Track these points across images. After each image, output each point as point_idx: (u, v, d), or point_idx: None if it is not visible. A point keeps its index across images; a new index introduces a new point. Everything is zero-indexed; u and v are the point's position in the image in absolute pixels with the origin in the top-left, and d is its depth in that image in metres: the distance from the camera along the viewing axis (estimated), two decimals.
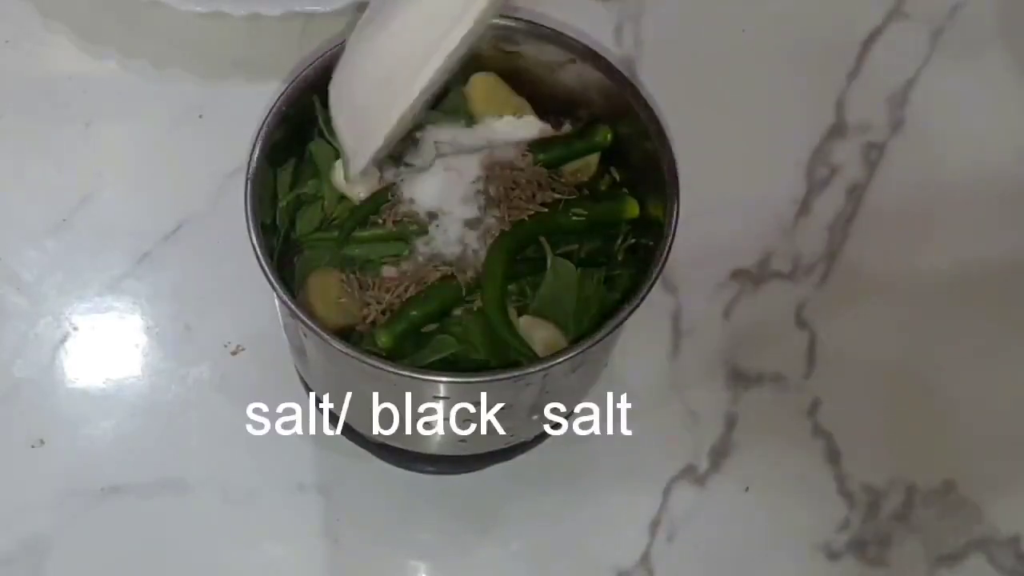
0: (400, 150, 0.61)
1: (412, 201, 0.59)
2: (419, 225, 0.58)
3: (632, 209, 0.60)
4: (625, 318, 0.56)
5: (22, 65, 0.77)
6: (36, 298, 0.71)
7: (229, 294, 0.70)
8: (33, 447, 0.67)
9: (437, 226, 0.58)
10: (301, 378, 0.67)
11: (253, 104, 0.62)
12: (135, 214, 0.73)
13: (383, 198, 0.59)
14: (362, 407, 0.61)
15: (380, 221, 0.59)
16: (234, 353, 0.70)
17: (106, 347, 0.70)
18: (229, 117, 0.73)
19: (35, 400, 0.68)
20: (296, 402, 0.68)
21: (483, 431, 0.61)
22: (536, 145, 0.60)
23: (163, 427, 0.68)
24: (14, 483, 0.67)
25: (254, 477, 0.67)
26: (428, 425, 0.60)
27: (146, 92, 0.76)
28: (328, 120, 0.59)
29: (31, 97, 0.76)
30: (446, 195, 0.58)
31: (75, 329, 0.70)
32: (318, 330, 0.54)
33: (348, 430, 0.66)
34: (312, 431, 0.68)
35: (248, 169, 0.57)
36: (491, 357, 0.57)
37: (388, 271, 0.58)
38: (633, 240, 0.60)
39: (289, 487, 0.67)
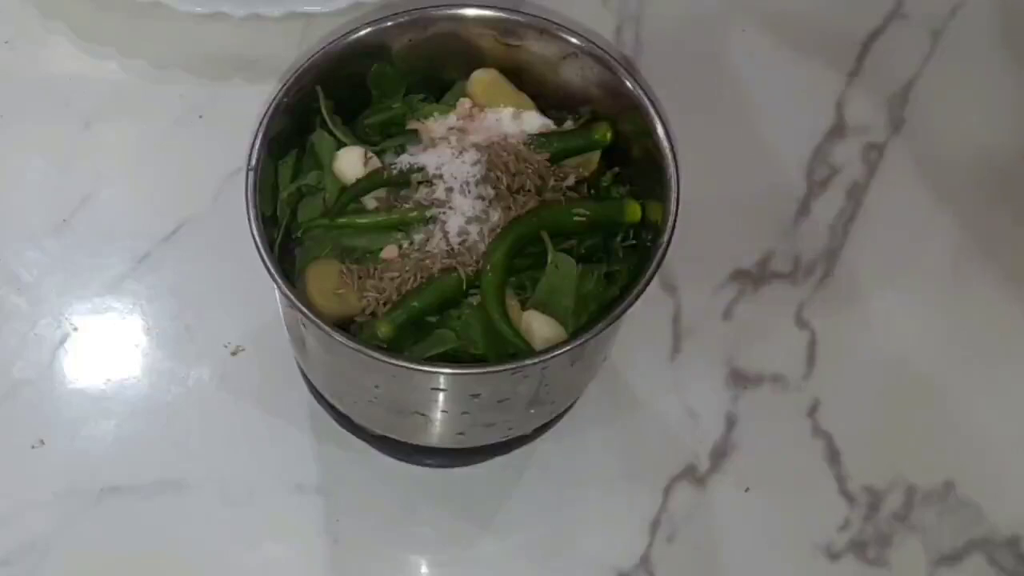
0: (402, 141, 0.61)
1: (413, 191, 0.59)
2: (420, 212, 0.58)
3: (634, 213, 0.60)
4: (622, 313, 0.56)
5: (22, 65, 0.77)
6: (36, 298, 0.71)
7: (229, 294, 0.70)
8: (33, 447, 0.67)
9: (438, 218, 0.58)
10: (302, 372, 0.67)
11: (253, 104, 0.62)
12: (135, 214, 0.73)
13: (379, 177, 0.60)
14: (361, 399, 0.61)
15: (378, 207, 0.59)
16: (234, 353, 0.70)
17: (106, 347, 0.70)
18: (229, 117, 0.73)
19: (35, 400, 0.68)
20: (296, 401, 0.68)
21: (482, 424, 0.61)
22: (537, 140, 0.60)
23: (163, 427, 0.68)
24: (14, 483, 0.67)
25: (254, 477, 0.67)
26: (427, 417, 0.60)
27: (146, 92, 0.76)
28: (330, 110, 0.60)
29: (31, 97, 0.76)
30: (447, 188, 0.59)
31: (75, 329, 0.70)
32: (317, 321, 0.54)
33: (347, 423, 0.66)
34: (311, 428, 0.68)
35: (249, 159, 0.57)
36: (490, 352, 0.57)
37: (389, 252, 0.58)
38: (633, 237, 0.60)
39: (289, 487, 0.67)
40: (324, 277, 0.58)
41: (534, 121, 0.61)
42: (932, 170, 0.77)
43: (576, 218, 0.59)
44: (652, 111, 0.59)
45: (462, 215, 0.58)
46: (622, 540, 0.67)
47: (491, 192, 0.58)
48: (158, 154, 0.75)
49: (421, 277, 0.57)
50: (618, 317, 0.56)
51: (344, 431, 0.67)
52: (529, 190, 0.59)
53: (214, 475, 0.67)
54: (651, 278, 0.56)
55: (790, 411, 0.70)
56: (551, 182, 0.60)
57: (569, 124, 0.62)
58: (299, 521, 0.67)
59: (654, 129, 0.59)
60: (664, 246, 0.57)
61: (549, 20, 0.61)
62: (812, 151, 0.77)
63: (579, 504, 0.68)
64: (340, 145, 0.61)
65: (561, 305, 0.58)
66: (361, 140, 0.61)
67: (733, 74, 0.79)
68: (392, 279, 0.57)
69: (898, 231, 0.75)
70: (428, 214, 0.58)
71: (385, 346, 0.56)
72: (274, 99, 0.59)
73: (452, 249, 0.58)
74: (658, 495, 0.68)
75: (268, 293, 0.59)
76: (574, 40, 0.61)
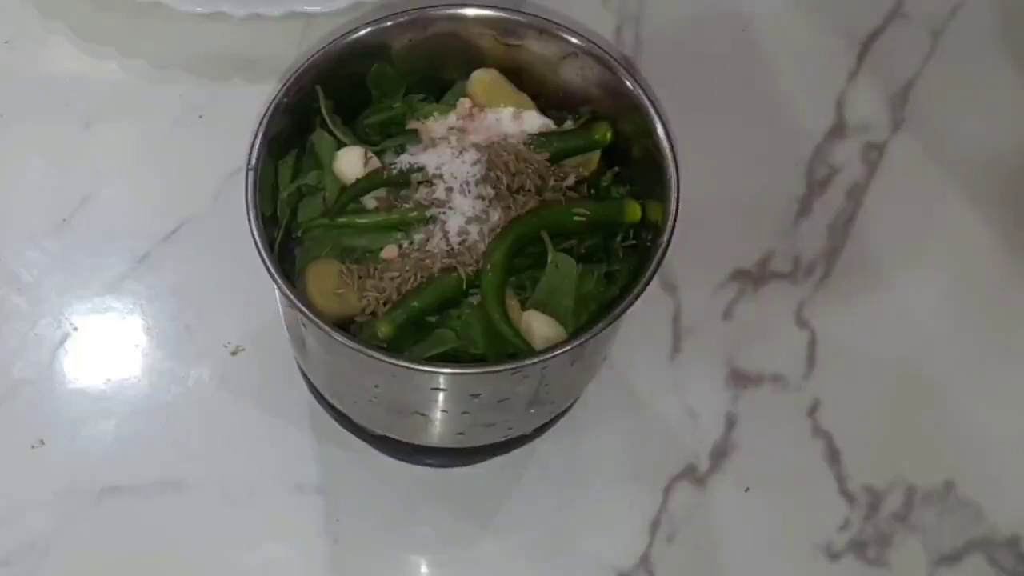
0: (402, 141, 0.61)
1: (413, 191, 0.59)
2: (420, 212, 0.58)
3: (634, 213, 0.60)
4: (622, 312, 0.56)
5: (22, 65, 0.77)
6: (36, 298, 0.71)
7: (229, 294, 0.70)
8: (33, 447, 0.67)
9: (438, 218, 0.58)
10: (302, 372, 0.67)
11: (253, 104, 0.62)
12: (135, 214, 0.73)
13: (379, 177, 0.60)
14: (361, 399, 0.61)
15: (378, 207, 0.59)
16: (234, 353, 0.70)
17: (106, 347, 0.70)
18: (229, 117, 0.73)
19: (35, 400, 0.68)
20: (296, 401, 0.68)
21: (482, 424, 0.61)
22: (537, 140, 0.60)
23: (163, 427, 0.68)
24: (14, 483, 0.67)
25: (254, 477, 0.67)
26: (427, 417, 0.60)
27: (146, 92, 0.76)
28: (330, 110, 0.60)
29: (31, 97, 0.76)
30: (447, 188, 0.59)
31: (75, 329, 0.70)
32: (317, 321, 0.54)
33: (347, 423, 0.66)
34: (311, 428, 0.68)
35: (249, 159, 0.57)
36: (490, 352, 0.57)
37: (389, 251, 0.58)
38: (633, 237, 0.60)
39: (289, 487, 0.67)
40: (324, 277, 0.58)
41: (534, 121, 0.61)
42: (932, 170, 0.77)
43: (576, 218, 0.59)
44: (652, 111, 0.59)
45: (462, 215, 0.58)
46: (622, 540, 0.67)
47: (491, 192, 0.58)
48: (158, 154, 0.75)
49: (421, 277, 0.57)
50: (618, 317, 0.56)
51: (344, 431, 0.67)
52: (529, 190, 0.59)
53: (214, 475, 0.67)
54: (651, 278, 0.56)
55: (790, 411, 0.70)
56: (551, 182, 0.60)
57: (569, 124, 0.62)
58: (299, 521, 0.67)
59: (654, 129, 0.59)
60: (664, 246, 0.57)
61: (549, 20, 0.61)
62: (812, 151, 0.77)
63: (579, 504, 0.68)
64: (340, 145, 0.61)
65: (561, 305, 0.58)
66: (361, 140, 0.61)
67: (733, 74, 0.79)
68: (392, 279, 0.57)
69: (898, 231, 0.75)
70: (428, 214, 0.58)
71: (385, 346, 0.56)
72: (274, 99, 0.59)
73: (452, 249, 0.58)
74: (658, 495, 0.68)
75: (268, 293, 0.59)
76: (574, 40, 0.61)
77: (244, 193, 0.56)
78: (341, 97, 0.61)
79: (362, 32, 0.61)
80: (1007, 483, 0.70)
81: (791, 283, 0.73)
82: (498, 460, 0.67)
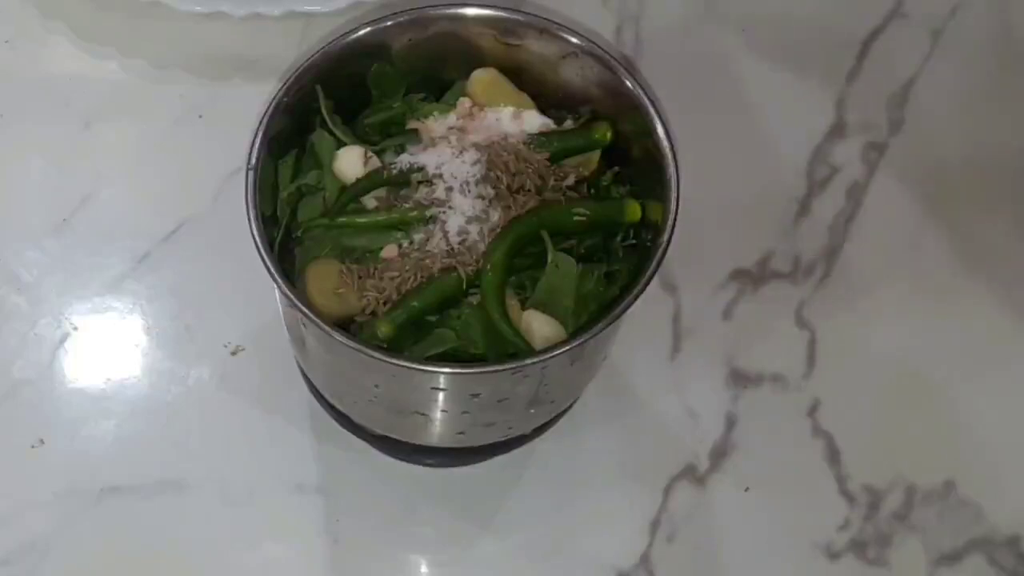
0: (402, 141, 0.61)
1: (413, 191, 0.59)
2: (420, 212, 0.58)
3: (634, 212, 0.60)
4: (622, 312, 0.56)
5: (22, 65, 0.77)
6: (36, 298, 0.71)
7: (229, 294, 0.70)
8: (33, 447, 0.67)
9: (438, 218, 0.58)
10: (302, 372, 0.67)
11: (253, 104, 0.62)
12: (135, 214, 0.73)
13: (379, 176, 0.60)
14: (361, 399, 0.61)
15: (378, 207, 0.60)
16: (234, 353, 0.70)
17: (106, 347, 0.70)
18: (229, 117, 0.73)
19: (35, 400, 0.68)
20: (296, 401, 0.68)
21: (482, 424, 0.61)
22: (537, 139, 0.60)
23: (163, 427, 0.68)
24: (14, 483, 0.67)
25: (254, 477, 0.67)
26: (427, 417, 0.60)
27: (146, 92, 0.76)
28: (330, 109, 0.60)
29: (31, 97, 0.76)
30: (447, 187, 0.59)
31: (75, 329, 0.70)
32: (317, 321, 0.55)
33: (347, 422, 0.66)
34: (311, 428, 0.68)
35: (249, 159, 0.57)
36: (490, 352, 0.57)
37: (389, 251, 0.58)
38: (633, 237, 0.60)
39: (289, 487, 0.67)
40: (324, 277, 0.58)
41: (534, 121, 0.61)
42: (932, 170, 0.77)
43: (576, 218, 0.59)
44: (652, 111, 0.59)
45: (462, 215, 0.58)
46: (622, 540, 0.67)
47: (491, 192, 0.58)
48: (158, 154, 0.75)
49: (421, 277, 0.57)
50: (618, 317, 0.56)
51: (344, 431, 0.67)
52: (529, 190, 0.59)
53: (214, 475, 0.67)
54: (651, 278, 0.56)
55: (790, 411, 0.70)
56: (551, 182, 0.60)
57: (569, 124, 0.62)
58: (299, 521, 0.67)
59: (654, 129, 0.59)
60: (664, 246, 0.57)
61: (549, 20, 0.61)
62: (812, 151, 0.77)
63: (579, 504, 0.68)
64: (340, 145, 0.61)
65: (561, 305, 0.58)
66: (361, 140, 0.61)
67: (733, 74, 0.79)
68: (392, 279, 0.57)
69: (898, 231, 0.75)
70: (428, 214, 0.58)
71: (385, 346, 0.56)
72: (274, 99, 0.59)
73: (452, 249, 0.58)
74: (658, 495, 0.68)
75: (268, 293, 0.59)
76: (574, 40, 0.61)
77: (244, 193, 0.56)
78: (341, 97, 0.61)
79: (362, 32, 0.61)
80: (1007, 483, 0.70)
81: (791, 283, 0.73)
82: (498, 460, 0.67)
